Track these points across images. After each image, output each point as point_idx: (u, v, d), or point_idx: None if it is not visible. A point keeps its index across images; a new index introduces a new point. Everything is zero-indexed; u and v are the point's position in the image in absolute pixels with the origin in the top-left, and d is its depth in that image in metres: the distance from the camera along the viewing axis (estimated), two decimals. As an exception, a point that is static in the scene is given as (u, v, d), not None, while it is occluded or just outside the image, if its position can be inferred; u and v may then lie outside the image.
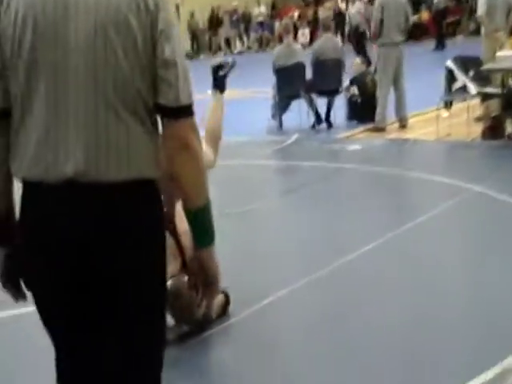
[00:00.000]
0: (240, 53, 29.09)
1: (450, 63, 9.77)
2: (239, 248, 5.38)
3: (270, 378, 3.63)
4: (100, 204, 1.87)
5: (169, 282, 3.81)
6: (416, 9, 22.64)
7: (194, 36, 30.26)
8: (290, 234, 5.97)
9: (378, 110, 10.04)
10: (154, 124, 1.94)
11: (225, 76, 4.19)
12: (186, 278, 3.60)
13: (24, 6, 1.85)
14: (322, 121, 10.71)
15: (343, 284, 4.73)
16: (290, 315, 4.36)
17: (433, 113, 10.01)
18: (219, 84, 4.23)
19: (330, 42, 10.98)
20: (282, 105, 10.79)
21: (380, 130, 10.01)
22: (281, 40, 12.02)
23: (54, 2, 1.84)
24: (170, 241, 3.93)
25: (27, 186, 1.93)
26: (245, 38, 30.37)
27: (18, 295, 2.14)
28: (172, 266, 3.88)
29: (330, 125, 10.72)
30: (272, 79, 10.88)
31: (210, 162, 4.29)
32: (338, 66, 10.76)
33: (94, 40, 1.83)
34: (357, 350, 3.82)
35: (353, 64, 11.36)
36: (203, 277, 2.05)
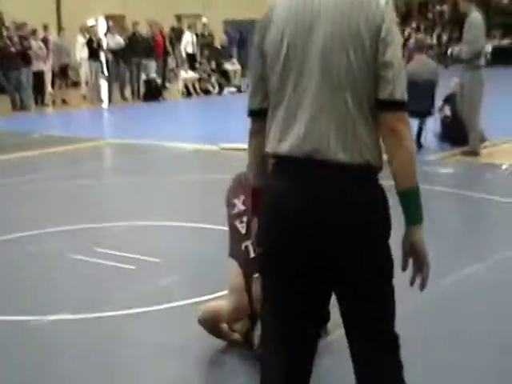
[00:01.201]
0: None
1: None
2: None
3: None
4: (329, 178, 2.27)
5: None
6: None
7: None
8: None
9: (473, 135, 9.86)
10: (375, 117, 2.31)
11: None
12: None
13: (282, 25, 2.37)
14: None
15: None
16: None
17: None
18: None
19: (424, 63, 10.89)
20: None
21: (474, 154, 9.83)
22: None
23: (303, 20, 2.33)
24: (239, 279, 4.10)
25: (275, 159, 2.41)
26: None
27: None
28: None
29: (420, 146, 10.58)
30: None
31: None
32: (431, 87, 10.63)
33: (330, 46, 2.29)
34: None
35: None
36: (414, 254, 2.30)
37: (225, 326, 4.26)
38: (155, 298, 4.99)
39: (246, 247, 4.11)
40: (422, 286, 2.32)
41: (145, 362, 4.16)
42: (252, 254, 4.09)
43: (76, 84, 20.67)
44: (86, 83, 19.83)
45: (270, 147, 2.41)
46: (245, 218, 4.16)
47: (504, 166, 9.07)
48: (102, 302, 4.96)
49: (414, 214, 2.30)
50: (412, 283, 2.33)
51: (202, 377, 4.10)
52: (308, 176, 2.31)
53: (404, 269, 2.33)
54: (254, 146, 2.54)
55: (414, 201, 2.29)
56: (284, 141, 2.35)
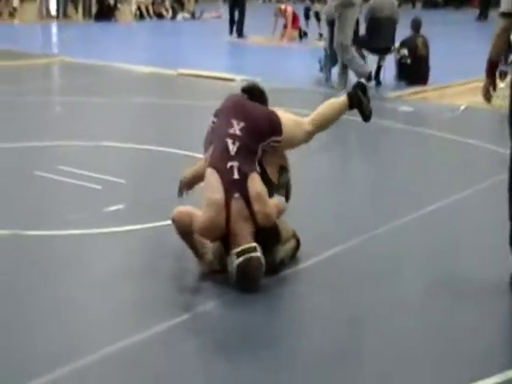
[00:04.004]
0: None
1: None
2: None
3: (341, 316, 3.75)
4: None
5: (240, 259, 3.89)
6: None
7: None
8: (334, 187, 6.02)
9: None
10: None
11: (361, 102, 4.48)
12: (258, 254, 3.90)
13: None
14: (372, 78, 10.61)
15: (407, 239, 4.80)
16: (359, 264, 4.41)
17: (475, 83, 9.79)
18: (354, 99, 4.49)
19: (385, 0, 10.86)
20: (332, 57, 10.70)
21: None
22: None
23: None
24: (240, 204, 4.02)
25: None
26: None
27: None
28: (242, 229, 3.99)
29: (378, 83, 10.65)
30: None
31: (303, 136, 4.48)
32: (392, 24, 10.66)
33: None
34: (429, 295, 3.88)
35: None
36: None
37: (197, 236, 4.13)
38: (119, 219, 4.97)
39: (231, 167, 4.07)
40: None
41: (98, 283, 4.05)
42: (236, 176, 4.05)
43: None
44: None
45: None
46: (237, 143, 4.12)
47: (462, 107, 9.22)
48: (63, 221, 4.87)
49: None
50: None
51: (159, 299, 3.87)
52: None
53: None
54: (500, 36, 4.04)
55: None
56: None
